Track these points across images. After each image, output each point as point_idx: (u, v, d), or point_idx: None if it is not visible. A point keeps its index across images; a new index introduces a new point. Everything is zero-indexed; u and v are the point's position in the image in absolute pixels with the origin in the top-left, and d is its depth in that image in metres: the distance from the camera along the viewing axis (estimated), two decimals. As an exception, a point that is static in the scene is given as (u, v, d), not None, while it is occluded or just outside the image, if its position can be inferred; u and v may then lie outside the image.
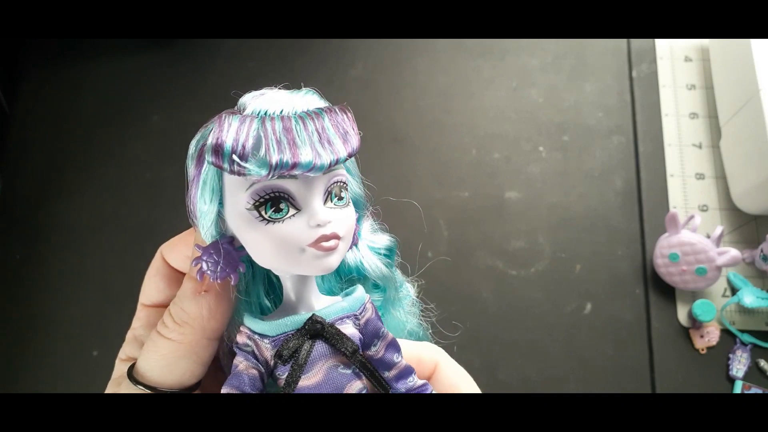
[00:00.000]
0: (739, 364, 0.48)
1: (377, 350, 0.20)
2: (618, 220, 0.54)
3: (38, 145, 0.57)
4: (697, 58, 0.59)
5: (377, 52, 0.60)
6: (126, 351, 0.24)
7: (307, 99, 0.18)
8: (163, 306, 0.24)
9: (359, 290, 0.20)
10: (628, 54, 0.59)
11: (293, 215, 0.18)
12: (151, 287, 0.25)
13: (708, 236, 0.49)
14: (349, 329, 0.19)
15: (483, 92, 0.58)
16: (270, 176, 0.17)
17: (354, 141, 0.18)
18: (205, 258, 0.18)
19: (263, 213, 0.17)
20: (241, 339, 0.19)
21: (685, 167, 0.55)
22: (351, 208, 0.19)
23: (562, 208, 0.54)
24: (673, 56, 0.59)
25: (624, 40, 0.60)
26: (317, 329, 0.18)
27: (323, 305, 0.19)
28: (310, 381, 0.18)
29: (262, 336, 0.18)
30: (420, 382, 0.21)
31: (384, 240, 0.22)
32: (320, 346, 0.18)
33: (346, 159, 0.17)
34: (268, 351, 0.18)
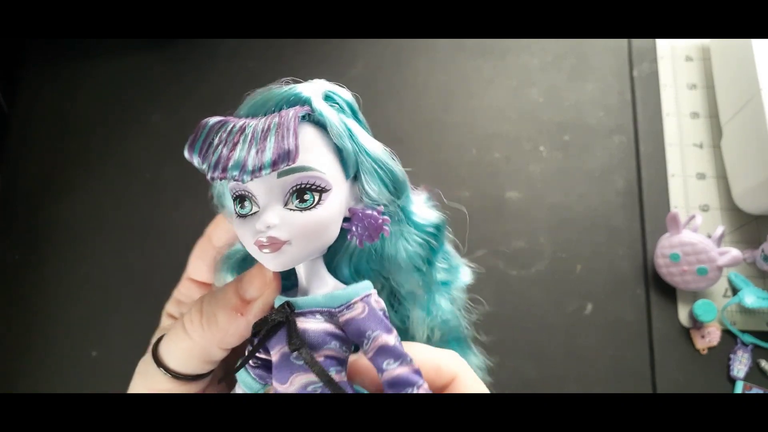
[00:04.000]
0: (740, 365, 0.48)
1: (366, 351, 0.19)
2: (619, 220, 0.53)
3: (38, 144, 0.57)
4: (698, 58, 0.59)
5: (377, 52, 0.60)
6: (168, 308, 0.27)
7: (292, 89, 0.19)
8: (207, 284, 0.25)
9: (353, 288, 0.20)
10: (628, 53, 0.59)
11: (255, 213, 0.19)
12: (196, 267, 0.26)
13: (709, 236, 0.49)
14: (316, 324, 0.19)
15: (483, 92, 0.58)
16: (211, 177, 0.18)
17: (287, 145, 0.17)
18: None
19: (236, 207, 0.19)
20: None
21: (686, 167, 0.55)
22: (319, 209, 0.19)
23: (563, 208, 0.54)
24: (674, 56, 0.59)
25: (625, 40, 0.60)
26: (281, 316, 0.19)
27: (325, 291, 0.20)
28: (273, 357, 0.19)
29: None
30: (421, 392, 0.20)
31: (431, 216, 0.22)
32: (282, 332, 0.19)
33: (273, 166, 0.17)
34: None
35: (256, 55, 0.59)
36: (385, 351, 0.19)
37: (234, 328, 0.20)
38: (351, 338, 0.20)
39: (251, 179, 0.18)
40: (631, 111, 0.57)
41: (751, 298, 0.48)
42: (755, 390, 0.47)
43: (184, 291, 0.27)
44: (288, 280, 0.22)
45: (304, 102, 0.19)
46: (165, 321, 0.27)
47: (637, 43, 0.60)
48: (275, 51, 0.59)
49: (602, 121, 0.57)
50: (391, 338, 0.19)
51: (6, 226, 0.54)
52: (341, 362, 0.20)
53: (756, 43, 0.49)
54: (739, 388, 0.48)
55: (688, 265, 0.48)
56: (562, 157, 0.56)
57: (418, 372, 0.19)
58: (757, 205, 0.50)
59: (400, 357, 0.19)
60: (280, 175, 0.18)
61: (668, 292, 0.51)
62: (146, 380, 0.22)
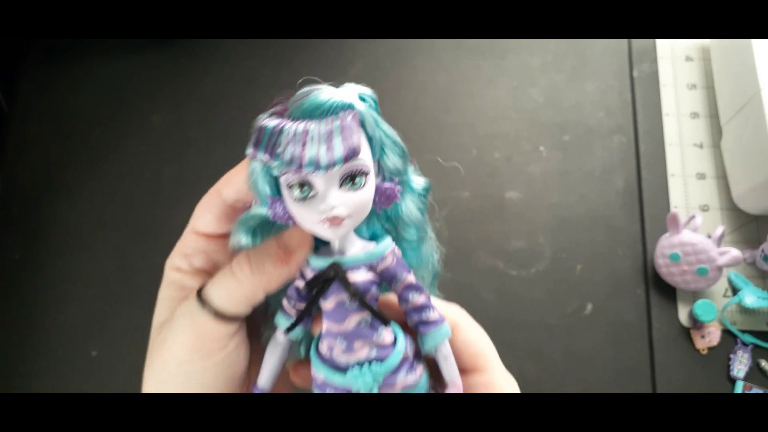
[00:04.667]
0: (740, 365, 0.48)
1: (396, 289, 0.25)
2: (619, 220, 0.53)
3: (37, 144, 0.57)
4: (698, 58, 0.59)
5: (377, 52, 0.60)
6: (174, 262, 0.28)
7: (335, 94, 0.23)
8: (214, 236, 0.28)
9: (383, 244, 0.25)
10: (629, 53, 0.59)
11: (314, 195, 0.23)
12: (204, 220, 0.28)
13: (709, 236, 0.49)
14: (361, 276, 0.25)
15: (483, 92, 0.58)
16: (284, 171, 0.22)
17: (352, 144, 0.22)
18: (276, 206, 0.24)
19: (293, 193, 0.23)
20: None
21: (686, 167, 0.55)
22: (365, 189, 0.24)
23: (563, 208, 0.54)
24: (674, 56, 0.59)
25: (625, 40, 0.60)
26: (332, 274, 0.24)
27: (352, 253, 0.25)
28: (327, 306, 0.25)
29: (308, 265, 0.25)
30: (434, 316, 0.26)
31: (421, 181, 0.28)
32: (336, 285, 0.24)
33: (346, 159, 0.22)
34: (309, 275, 0.25)
35: (256, 55, 0.59)
36: (410, 287, 0.26)
37: (278, 274, 0.25)
38: (384, 281, 0.25)
39: (325, 172, 0.22)
40: (631, 111, 0.57)
41: (751, 298, 0.48)
42: (755, 390, 0.47)
43: (191, 244, 0.28)
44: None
45: (349, 106, 0.23)
46: (172, 274, 0.28)
47: (637, 43, 0.60)
48: (275, 51, 0.59)
49: (602, 121, 0.57)
50: (412, 276, 0.26)
51: (6, 226, 0.54)
52: (377, 300, 0.26)
53: (756, 43, 0.49)
54: (739, 388, 0.48)
55: (688, 265, 0.48)
56: (562, 157, 0.56)
57: (429, 298, 0.26)
58: (757, 205, 0.50)
59: (419, 289, 0.26)
60: (340, 165, 0.22)
61: (668, 292, 0.51)
62: (190, 320, 0.26)
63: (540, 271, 0.52)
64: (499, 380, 0.28)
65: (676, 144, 0.56)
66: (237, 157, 0.51)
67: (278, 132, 0.22)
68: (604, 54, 0.59)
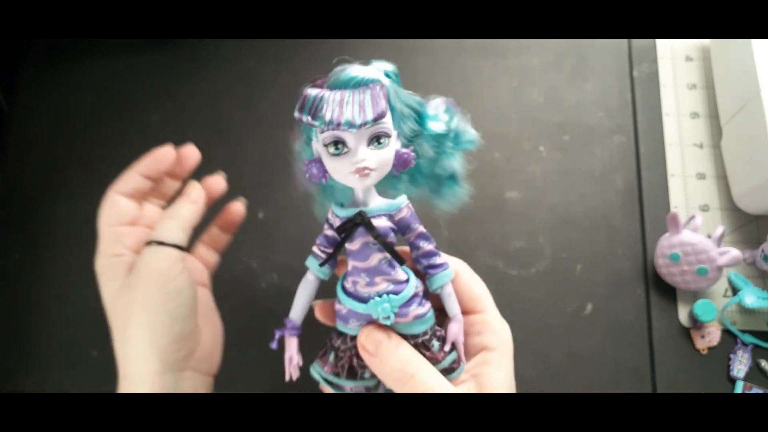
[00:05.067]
0: (740, 365, 0.48)
1: (409, 237, 0.31)
2: (619, 220, 0.53)
3: (38, 144, 0.57)
4: (698, 58, 0.59)
5: (377, 52, 0.60)
6: (112, 251, 0.37)
7: (366, 71, 0.29)
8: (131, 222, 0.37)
9: (400, 198, 0.31)
10: (629, 53, 0.59)
11: (347, 152, 0.28)
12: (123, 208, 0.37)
13: (709, 236, 0.49)
14: (382, 222, 0.29)
15: (483, 92, 0.58)
16: (326, 130, 0.27)
17: (381, 108, 0.27)
18: (311, 166, 0.29)
19: (329, 150, 0.28)
20: (329, 215, 0.31)
21: (686, 167, 0.55)
22: (388, 148, 0.29)
23: (563, 208, 0.54)
24: (674, 56, 0.59)
25: (625, 40, 0.60)
26: (359, 220, 0.29)
27: (374, 205, 0.30)
28: (353, 247, 0.30)
29: (336, 216, 0.30)
30: (440, 260, 0.31)
31: (438, 127, 0.32)
32: (361, 229, 0.29)
33: (374, 121, 0.27)
34: (337, 224, 0.30)
35: (256, 55, 0.59)
36: (421, 235, 0.31)
37: (190, 211, 0.34)
38: (399, 229, 0.30)
39: (357, 130, 0.27)
40: (631, 111, 0.57)
41: (751, 298, 0.48)
42: (755, 390, 0.47)
43: (119, 233, 0.38)
44: (334, 195, 0.33)
45: (377, 80, 0.28)
46: (114, 260, 0.36)
47: (637, 43, 0.60)
48: (275, 51, 0.59)
49: (602, 121, 0.57)
50: (422, 227, 0.31)
51: (6, 226, 0.54)
52: (394, 245, 0.30)
53: (756, 43, 0.49)
54: (739, 388, 0.48)
55: (688, 265, 0.48)
56: (562, 157, 0.56)
57: (436, 246, 0.31)
58: (757, 205, 0.50)
59: (429, 238, 0.31)
60: (371, 126, 0.27)
61: (668, 292, 0.51)
62: (148, 258, 0.32)
63: (540, 271, 0.52)
64: (494, 320, 0.32)
65: (676, 144, 0.56)
66: (236, 156, 0.51)
67: (320, 98, 0.27)
68: (604, 54, 0.59)
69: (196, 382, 0.34)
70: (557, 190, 0.54)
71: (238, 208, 0.39)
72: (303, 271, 0.33)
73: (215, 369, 0.37)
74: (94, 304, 0.53)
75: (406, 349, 0.29)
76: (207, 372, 0.36)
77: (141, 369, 0.31)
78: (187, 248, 0.33)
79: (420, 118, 0.32)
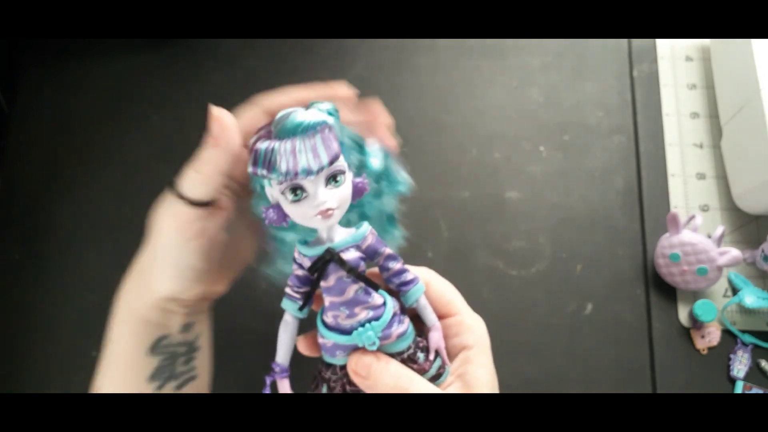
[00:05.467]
0: (740, 365, 0.48)
1: (378, 260, 0.31)
2: (619, 220, 0.53)
3: (37, 144, 0.57)
4: (698, 58, 0.59)
5: (377, 52, 0.60)
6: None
7: (309, 115, 0.28)
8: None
9: (363, 227, 0.31)
10: (628, 53, 0.59)
11: (306, 197, 0.28)
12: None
13: (709, 236, 0.49)
14: (351, 255, 0.30)
15: (483, 92, 0.58)
16: (282, 179, 0.27)
17: (334, 151, 0.28)
18: (269, 212, 0.30)
19: (288, 197, 0.28)
20: (296, 255, 0.31)
21: (686, 167, 0.55)
22: (345, 184, 0.29)
23: (563, 208, 0.54)
24: (674, 56, 0.59)
25: (625, 40, 0.60)
26: (329, 257, 0.29)
27: (340, 238, 0.30)
28: (328, 283, 0.30)
29: (304, 255, 0.30)
30: (410, 276, 0.32)
31: (377, 164, 0.33)
32: (332, 265, 0.29)
33: (330, 164, 0.27)
34: (306, 263, 0.30)
35: (256, 55, 0.59)
36: (389, 257, 0.31)
37: (216, 158, 0.32)
38: (368, 256, 0.31)
39: (316, 176, 0.27)
40: (631, 111, 0.57)
41: (751, 298, 0.48)
42: (755, 390, 0.47)
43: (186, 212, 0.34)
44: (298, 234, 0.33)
45: (324, 122, 0.28)
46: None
47: (637, 43, 0.60)
48: (275, 51, 0.59)
49: (602, 121, 0.57)
50: (389, 249, 0.31)
51: (6, 226, 0.54)
52: (365, 273, 0.31)
53: (756, 43, 0.49)
54: (739, 388, 0.48)
55: (688, 265, 0.48)
56: (562, 157, 0.56)
57: (404, 264, 0.32)
58: (757, 205, 0.50)
59: (396, 258, 0.31)
60: (327, 168, 0.28)
61: (668, 292, 0.51)
62: (169, 210, 0.33)
63: (540, 271, 0.52)
64: (468, 320, 0.33)
65: (676, 144, 0.56)
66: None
67: (271, 150, 0.27)
68: (604, 54, 0.59)
69: (201, 306, 0.36)
70: (557, 190, 0.55)
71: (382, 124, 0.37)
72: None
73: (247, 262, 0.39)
74: (94, 304, 0.53)
75: (396, 366, 0.30)
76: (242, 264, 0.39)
77: (152, 297, 0.34)
78: (213, 201, 0.33)
79: (362, 150, 0.32)
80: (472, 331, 0.33)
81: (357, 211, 0.33)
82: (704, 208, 0.53)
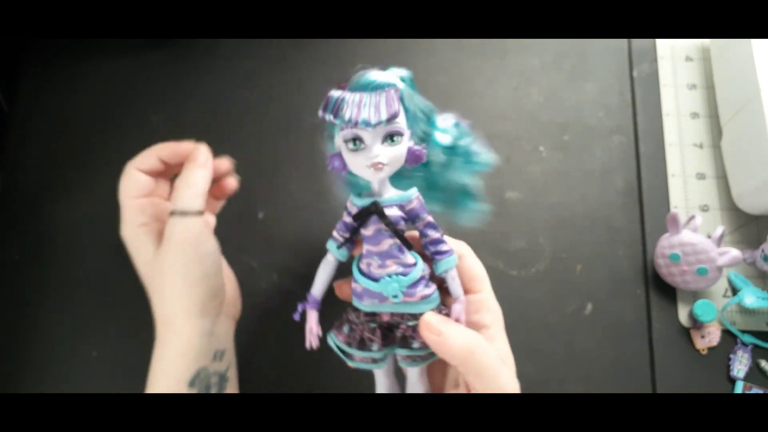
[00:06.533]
0: (740, 365, 0.48)
1: (418, 225, 0.34)
2: (619, 220, 0.53)
3: (37, 144, 0.57)
4: (698, 58, 0.59)
5: (377, 52, 0.60)
6: (137, 221, 0.38)
7: (383, 76, 0.32)
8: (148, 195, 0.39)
9: (410, 191, 0.34)
10: (628, 53, 0.59)
11: (363, 148, 0.31)
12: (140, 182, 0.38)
13: (709, 236, 0.49)
14: (393, 212, 0.33)
15: (483, 92, 0.58)
16: (346, 127, 0.31)
17: (393, 110, 0.30)
18: (333, 159, 0.33)
19: (348, 146, 0.32)
20: (348, 203, 0.34)
21: (686, 167, 0.55)
22: (401, 145, 0.32)
23: (563, 208, 0.54)
24: (674, 56, 0.59)
25: (625, 40, 0.60)
26: (373, 209, 0.32)
27: (388, 195, 0.33)
28: (367, 232, 0.33)
29: (354, 204, 0.34)
30: (445, 248, 0.34)
31: (446, 139, 0.36)
32: (374, 217, 0.32)
33: (388, 120, 0.30)
34: (354, 212, 0.33)
35: (256, 55, 0.59)
36: (429, 225, 0.34)
37: (201, 175, 0.37)
38: (410, 218, 0.33)
39: (372, 128, 0.30)
40: (631, 111, 0.57)
41: (751, 298, 0.48)
42: (755, 390, 0.47)
43: (139, 206, 0.39)
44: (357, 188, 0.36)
45: (392, 84, 0.31)
46: (142, 230, 0.38)
47: (637, 43, 0.60)
48: (275, 51, 0.59)
49: (602, 121, 0.57)
50: (430, 217, 0.34)
51: (6, 226, 0.54)
52: (404, 232, 0.33)
53: (756, 43, 0.49)
54: (739, 388, 0.48)
55: (688, 265, 0.48)
56: (562, 157, 0.56)
57: (443, 234, 0.34)
58: (757, 206, 0.50)
59: (436, 227, 0.34)
60: (385, 125, 0.31)
61: (668, 292, 0.51)
62: (176, 228, 0.35)
63: (540, 271, 0.52)
64: (490, 299, 0.35)
65: (676, 144, 0.56)
66: (236, 156, 0.51)
67: (341, 99, 0.31)
68: (604, 54, 0.59)
69: (227, 326, 0.39)
70: (557, 190, 0.54)
71: (230, 182, 0.42)
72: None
73: (239, 314, 0.42)
74: (95, 304, 0.53)
75: (467, 331, 0.32)
76: (234, 316, 0.41)
77: (182, 317, 0.35)
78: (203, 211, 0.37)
79: (430, 122, 0.35)
80: (493, 311, 0.35)
81: (425, 179, 0.36)
82: (704, 208, 0.53)
